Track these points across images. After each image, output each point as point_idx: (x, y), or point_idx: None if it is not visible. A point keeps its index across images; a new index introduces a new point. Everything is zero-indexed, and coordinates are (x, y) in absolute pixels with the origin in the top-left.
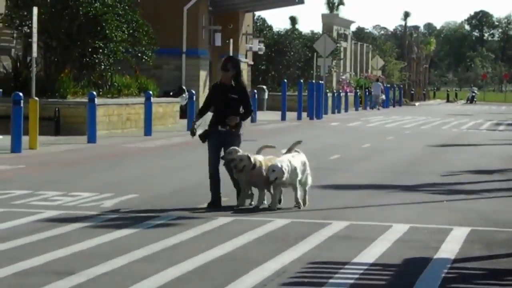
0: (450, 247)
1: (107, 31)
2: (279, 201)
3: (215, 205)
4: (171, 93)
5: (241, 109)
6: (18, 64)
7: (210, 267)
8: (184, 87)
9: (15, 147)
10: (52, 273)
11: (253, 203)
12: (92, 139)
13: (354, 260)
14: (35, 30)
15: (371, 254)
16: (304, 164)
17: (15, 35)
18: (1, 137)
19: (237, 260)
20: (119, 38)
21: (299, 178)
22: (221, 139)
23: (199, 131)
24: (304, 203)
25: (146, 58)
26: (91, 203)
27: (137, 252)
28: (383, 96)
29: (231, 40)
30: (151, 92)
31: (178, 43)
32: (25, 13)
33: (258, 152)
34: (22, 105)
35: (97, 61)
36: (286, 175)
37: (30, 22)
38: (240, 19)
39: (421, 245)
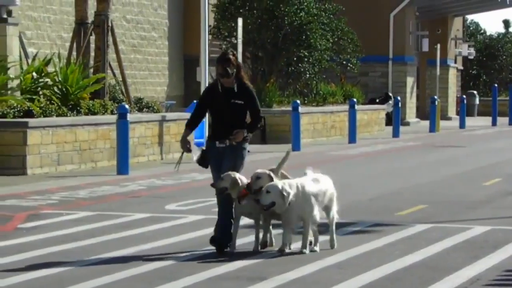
0: None
1: (311, 40)
2: (265, 243)
3: (220, 246)
4: (377, 100)
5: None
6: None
7: (401, 274)
8: (390, 94)
9: None
10: (244, 278)
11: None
12: (296, 147)
13: None
14: (240, 41)
15: None
16: (325, 192)
17: (223, 46)
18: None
19: (430, 267)
20: (323, 46)
21: (314, 212)
22: (219, 157)
23: (195, 154)
24: (332, 245)
25: (351, 66)
26: None
27: (330, 258)
28: None
29: (439, 46)
30: (355, 100)
31: (385, 50)
32: (233, 25)
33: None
34: None
35: (302, 70)
36: (287, 202)
37: (236, 33)
38: (449, 23)
39: None
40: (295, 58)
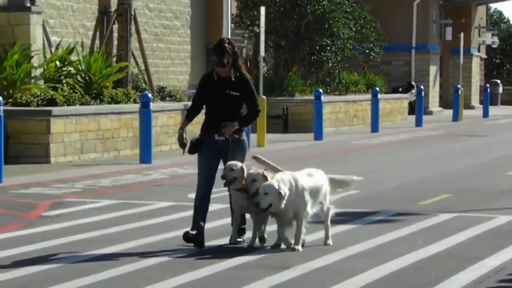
0: None
1: (334, 29)
2: (262, 239)
3: (195, 241)
4: (400, 89)
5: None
6: (249, 63)
7: (425, 263)
8: (413, 83)
9: None
10: (268, 267)
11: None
12: (318, 136)
13: None
14: (262, 30)
15: None
16: (320, 188)
17: (245, 35)
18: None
19: (454, 256)
20: (346, 35)
21: (308, 209)
22: (217, 151)
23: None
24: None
25: (373, 54)
26: None
27: (353, 247)
28: None
29: (462, 34)
30: (377, 89)
31: (408, 39)
32: (255, 13)
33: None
34: None
35: (324, 59)
36: (283, 203)
37: (259, 21)
38: (473, 12)
39: None
40: (317, 47)
